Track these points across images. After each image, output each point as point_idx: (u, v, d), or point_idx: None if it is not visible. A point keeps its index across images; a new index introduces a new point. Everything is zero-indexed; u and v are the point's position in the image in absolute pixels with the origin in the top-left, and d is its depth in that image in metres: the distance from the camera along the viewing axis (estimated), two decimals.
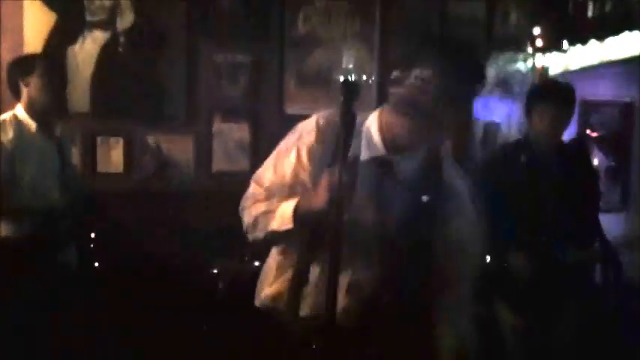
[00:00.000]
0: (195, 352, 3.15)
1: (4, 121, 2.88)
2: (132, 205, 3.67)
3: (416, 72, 1.56)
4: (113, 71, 3.76)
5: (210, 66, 3.86)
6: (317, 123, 1.66)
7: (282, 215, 1.61)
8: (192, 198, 3.73)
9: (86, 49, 3.73)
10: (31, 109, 2.89)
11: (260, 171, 1.74)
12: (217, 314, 3.20)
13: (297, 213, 1.59)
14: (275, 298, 1.72)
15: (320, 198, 1.53)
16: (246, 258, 3.15)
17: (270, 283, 1.75)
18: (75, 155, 3.51)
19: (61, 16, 3.68)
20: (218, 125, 3.89)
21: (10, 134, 2.83)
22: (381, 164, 1.64)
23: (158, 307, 3.28)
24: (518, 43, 4.27)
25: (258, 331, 1.73)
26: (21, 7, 3.62)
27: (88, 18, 3.73)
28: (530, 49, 4.26)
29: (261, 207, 1.67)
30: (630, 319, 3.11)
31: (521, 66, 4.32)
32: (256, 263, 2.61)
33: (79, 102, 3.73)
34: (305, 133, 1.67)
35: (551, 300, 2.62)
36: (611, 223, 2.95)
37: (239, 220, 1.76)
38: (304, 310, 1.66)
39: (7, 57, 3.58)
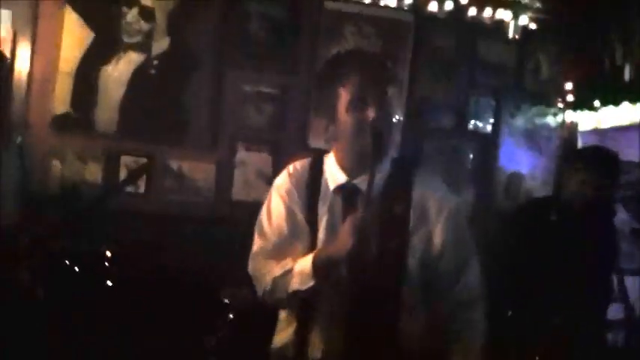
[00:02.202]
0: None
1: None
2: (150, 227, 3.67)
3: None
4: (143, 93, 3.81)
5: (237, 95, 3.89)
6: (288, 172, 1.79)
7: (302, 273, 1.61)
8: (210, 225, 3.73)
9: (119, 70, 3.79)
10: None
11: (258, 223, 1.77)
12: (225, 344, 3.15)
13: (316, 267, 1.59)
14: (283, 347, 1.72)
15: (343, 246, 1.53)
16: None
17: (279, 332, 1.76)
18: (93, 173, 3.54)
19: (98, 36, 3.75)
20: (241, 154, 3.90)
21: None
22: (347, 191, 1.67)
23: (166, 332, 3.24)
24: (549, 96, 4.26)
25: None
26: (61, 25, 3.70)
27: (125, 39, 3.80)
28: (560, 104, 4.23)
29: (277, 269, 1.67)
30: None
31: (550, 120, 4.29)
32: None
33: (107, 122, 3.77)
34: (280, 183, 1.77)
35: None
36: (634, 285, 2.88)
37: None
38: (313, 356, 1.65)
39: (41, 73, 3.67)
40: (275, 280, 1.66)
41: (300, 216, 1.70)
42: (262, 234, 1.74)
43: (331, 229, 1.65)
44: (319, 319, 1.65)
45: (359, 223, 1.52)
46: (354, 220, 1.53)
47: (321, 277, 1.58)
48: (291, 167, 1.79)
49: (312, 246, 1.66)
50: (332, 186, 1.70)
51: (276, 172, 3.76)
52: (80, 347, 2.87)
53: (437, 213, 1.67)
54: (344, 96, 1.64)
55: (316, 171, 1.75)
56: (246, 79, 3.89)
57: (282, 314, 1.77)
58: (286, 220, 1.70)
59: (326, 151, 1.79)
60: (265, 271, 1.69)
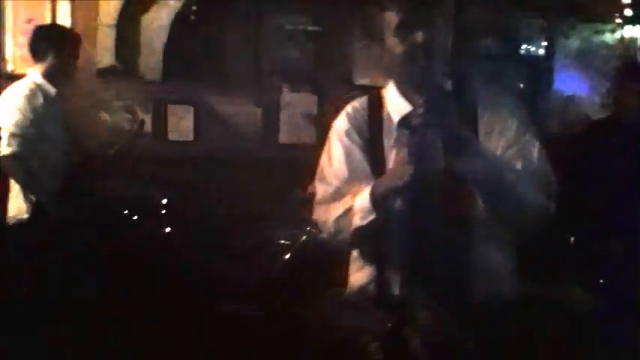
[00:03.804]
0: (258, 321, 3.17)
1: (29, 88, 2.86)
2: (201, 173, 3.71)
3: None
4: (185, 40, 3.79)
5: (278, 34, 3.83)
6: (346, 113, 1.71)
7: (362, 209, 1.57)
8: (259, 168, 3.74)
9: (159, 18, 3.77)
10: (52, 76, 2.88)
11: (319, 170, 1.72)
12: (283, 285, 3.20)
13: (374, 200, 1.55)
14: (363, 286, 1.67)
15: (399, 173, 1.50)
16: (310, 229, 3.13)
17: (354, 272, 1.70)
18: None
19: None
20: (286, 96, 3.87)
21: (40, 99, 2.85)
22: (414, 119, 1.56)
23: (223, 275, 3.31)
24: (605, 12, 4.02)
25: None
26: None
27: None
28: (618, 20, 4.00)
29: (337, 209, 1.63)
30: None
31: (608, 38, 4.07)
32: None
33: (152, 70, 3.78)
34: (339, 125, 1.71)
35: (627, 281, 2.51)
36: None
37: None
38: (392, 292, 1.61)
39: (82, 25, 3.67)
40: (337, 220, 1.63)
41: (361, 156, 1.65)
42: (323, 180, 1.69)
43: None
44: (394, 254, 1.60)
45: (413, 149, 1.47)
46: (409, 146, 1.48)
47: (381, 208, 1.55)
48: (349, 107, 1.71)
49: None
50: (396, 117, 1.63)
51: (322, 112, 3.80)
52: (142, 290, 2.97)
53: (504, 125, 1.59)
54: (390, 21, 1.57)
55: (376, 106, 1.67)
56: (286, 18, 3.81)
57: (354, 254, 1.73)
58: (346, 161, 1.65)
59: (380, 88, 1.71)
60: (328, 214, 1.66)
